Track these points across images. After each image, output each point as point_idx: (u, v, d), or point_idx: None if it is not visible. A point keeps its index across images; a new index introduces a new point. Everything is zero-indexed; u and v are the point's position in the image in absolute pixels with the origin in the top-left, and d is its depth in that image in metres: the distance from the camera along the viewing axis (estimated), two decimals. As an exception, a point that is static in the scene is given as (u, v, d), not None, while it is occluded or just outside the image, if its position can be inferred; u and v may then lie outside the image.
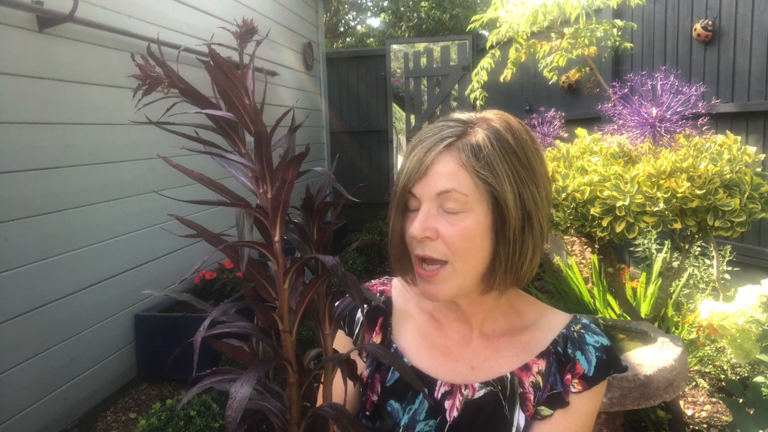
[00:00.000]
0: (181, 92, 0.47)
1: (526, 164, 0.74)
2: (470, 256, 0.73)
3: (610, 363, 0.78)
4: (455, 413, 0.78)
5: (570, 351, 0.78)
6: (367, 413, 0.84)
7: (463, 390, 0.79)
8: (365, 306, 0.88)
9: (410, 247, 0.76)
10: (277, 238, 0.53)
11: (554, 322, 0.82)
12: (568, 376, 0.77)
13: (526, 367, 0.79)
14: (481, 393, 0.78)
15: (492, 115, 0.77)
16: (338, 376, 0.67)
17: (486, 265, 0.75)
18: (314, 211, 0.56)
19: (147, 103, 0.47)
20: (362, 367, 0.86)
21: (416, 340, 0.85)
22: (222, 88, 0.46)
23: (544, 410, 0.77)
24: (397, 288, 0.91)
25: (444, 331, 0.84)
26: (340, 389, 0.71)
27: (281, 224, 0.52)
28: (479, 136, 0.73)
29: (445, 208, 0.73)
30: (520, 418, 0.77)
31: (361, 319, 0.88)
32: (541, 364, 0.78)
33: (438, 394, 0.79)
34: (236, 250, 0.50)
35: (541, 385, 0.78)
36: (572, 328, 0.81)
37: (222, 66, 0.46)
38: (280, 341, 0.57)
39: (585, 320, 0.83)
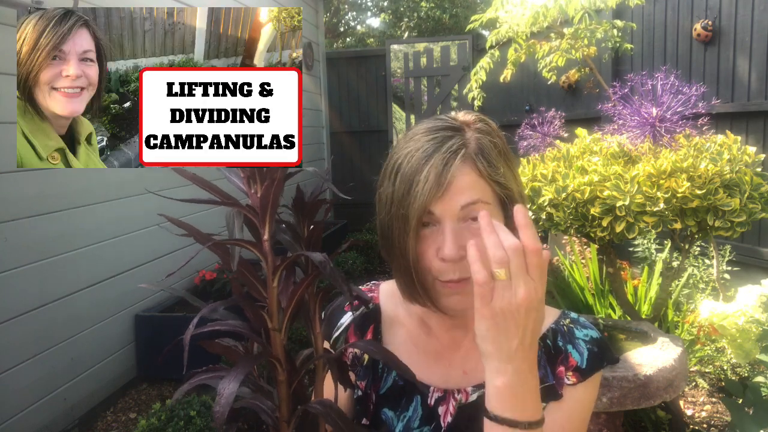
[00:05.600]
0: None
1: (513, 162, 0.76)
2: None
3: (603, 355, 0.78)
4: (449, 419, 0.77)
5: (560, 343, 0.78)
6: (364, 422, 0.82)
7: (456, 395, 0.78)
8: (353, 312, 0.86)
9: (433, 270, 0.71)
10: (266, 236, 0.53)
11: None
12: (561, 368, 0.76)
13: None
14: (474, 397, 0.78)
15: (471, 117, 0.76)
16: (329, 378, 0.66)
17: None
18: (305, 210, 0.56)
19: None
20: (355, 378, 0.84)
21: (407, 346, 0.83)
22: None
23: None
24: (385, 293, 0.89)
25: (435, 336, 0.83)
26: (333, 391, 0.70)
27: (270, 223, 0.53)
28: (479, 141, 0.73)
29: (469, 220, 0.70)
30: None
31: (345, 323, 0.86)
32: None
33: (431, 401, 0.79)
34: (226, 249, 0.50)
35: None
36: (561, 323, 0.81)
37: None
38: (269, 340, 0.57)
39: (573, 315, 0.83)
